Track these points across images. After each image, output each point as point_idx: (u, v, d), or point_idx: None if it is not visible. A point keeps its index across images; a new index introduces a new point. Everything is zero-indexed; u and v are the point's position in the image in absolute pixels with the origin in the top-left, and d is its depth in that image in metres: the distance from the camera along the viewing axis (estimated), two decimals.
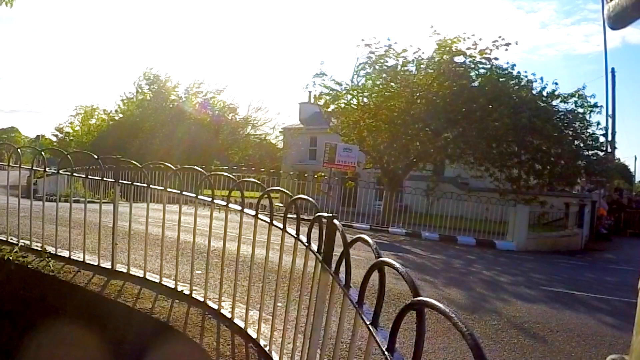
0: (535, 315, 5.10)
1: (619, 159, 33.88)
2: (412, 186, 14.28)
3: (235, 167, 21.46)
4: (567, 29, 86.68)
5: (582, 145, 14.04)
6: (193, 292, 3.76)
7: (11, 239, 4.91)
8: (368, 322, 1.32)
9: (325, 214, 2.16)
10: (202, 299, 3.66)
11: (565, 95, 14.19)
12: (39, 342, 3.77)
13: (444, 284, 6.33)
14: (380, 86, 14.84)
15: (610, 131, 18.01)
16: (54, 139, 40.22)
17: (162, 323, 3.33)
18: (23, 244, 4.73)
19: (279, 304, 2.94)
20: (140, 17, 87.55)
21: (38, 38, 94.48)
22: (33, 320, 3.95)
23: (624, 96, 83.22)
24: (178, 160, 18.90)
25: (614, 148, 18.57)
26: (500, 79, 13.86)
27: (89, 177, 4.80)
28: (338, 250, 1.86)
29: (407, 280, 1.15)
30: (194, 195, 3.74)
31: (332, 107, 16.11)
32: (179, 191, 3.86)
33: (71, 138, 36.66)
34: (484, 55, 13.66)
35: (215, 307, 3.53)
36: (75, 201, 6.33)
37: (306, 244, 2.43)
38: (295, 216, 2.66)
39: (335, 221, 2.05)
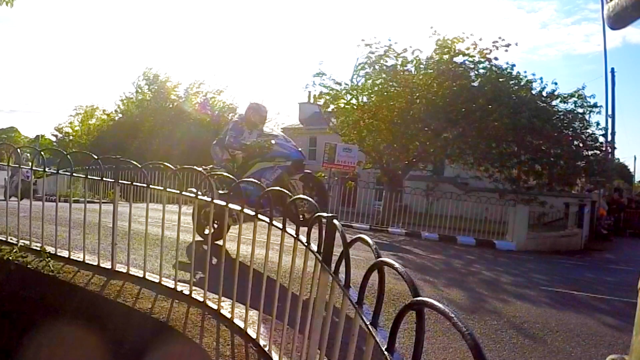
0: (535, 315, 5.10)
1: (618, 159, 33.89)
2: (411, 186, 14.28)
3: None
4: (567, 28, 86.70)
5: (581, 145, 14.05)
6: (193, 292, 3.76)
7: (11, 239, 4.91)
8: (368, 322, 1.32)
9: (324, 214, 2.16)
10: (201, 299, 3.66)
11: (565, 96, 14.21)
12: (39, 342, 3.76)
13: (444, 284, 6.32)
14: (380, 86, 14.85)
15: (610, 131, 18.02)
16: (54, 139, 40.19)
17: (161, 323, 3.33)
18: (22, 244, 4.73)
19: (279, 304, 2.94)
20: (140, 17, 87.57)
21: (37, 38, 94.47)
22: (33, 320, 3.95)
23: (624, 96, 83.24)
24: (178, 160, 18.90)
25: (613, 148, 18.57)
26: (500, 79, 13.88)
27: (89, 177, 4.80)
28: (338, 250, 1.86)
29: (407, 280, 1.15)
30: (193, 195, 3.73)
31: (331, 107, 16.12)
32: (178, 191, 3.85)
33: (71, 138, 36.61)
34: (484, 56, 13.68)
35: (215, 307, 3.53)
36: (75, 201, 6.34)
37: (306, 244, 2.43)
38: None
39: (335, 221, 2.05)
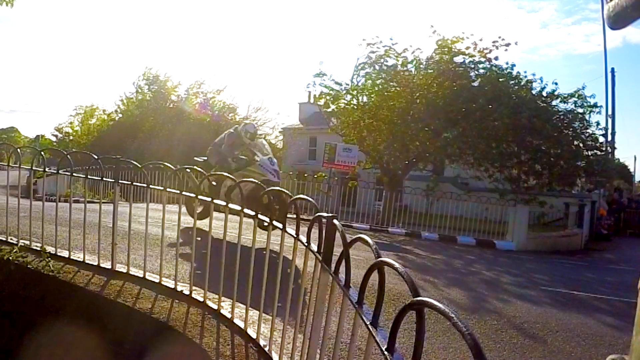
0: (535, 315, 5.10)
1: (618, 159, 33.87)
2: (412, 186, 14.27)
3: None
4: (567, 28, 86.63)
5: (581, 145, 14.03)
6: (193, 292, 3.76)
7: (11, 239, 4.91)
8: (368, 322, 1.32)
9: (325, 214, 2.16)
10: (201, 299, 3.66)
11: (565, 96, 14.18)
12: (39, 342, 3.76)
13: (444, 284, 6.32)
14: (380, 86, 14.85)
15: (610, 131, 18.01)
16: (54, 139, 40.18)
17: (161, 323, 3.33)
18: (23, 244, 4.73)
19: (279, 304, 2.94)
20: (140, 17, 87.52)
21: (37, 38, 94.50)
22: (33, 320, 3.95)
23: (624, 96, 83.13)
24: (178, 160, 18.87)
25: (613, 148, 18.56)
26: (500, 79, 13.86)
27: (89, 177, 4.80)
28: (338, 250, 1.86)
29: (407, 280, 1.16)
30: (193, 195, 3.74)
31: (332, 107, 16.11)
32: (178, 191, 3.86)
33: (71, 138, 36.59)
34: (484, 55, 13.67)
35: (215, 307, 3.53)
36: (75, 201, 6.33)
37: (306, 244, 2.42)
38: (295, 216, 2.66)
39: (335, 221, 2.05)
